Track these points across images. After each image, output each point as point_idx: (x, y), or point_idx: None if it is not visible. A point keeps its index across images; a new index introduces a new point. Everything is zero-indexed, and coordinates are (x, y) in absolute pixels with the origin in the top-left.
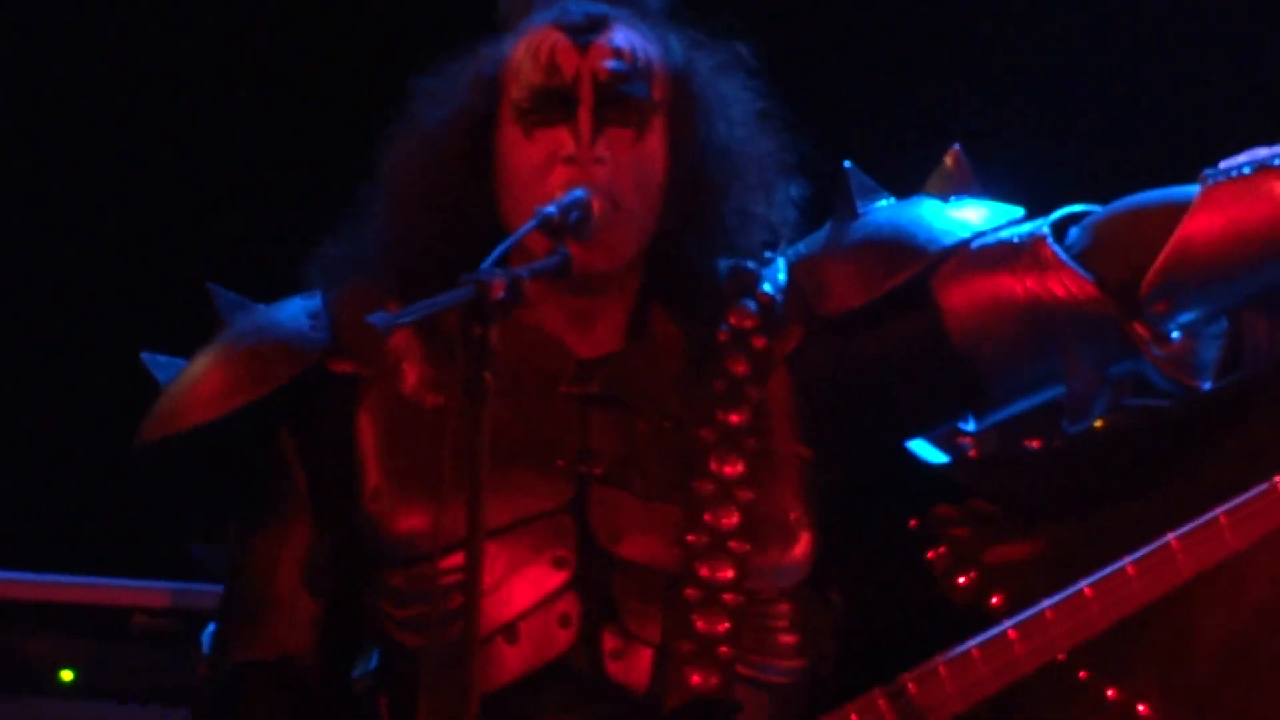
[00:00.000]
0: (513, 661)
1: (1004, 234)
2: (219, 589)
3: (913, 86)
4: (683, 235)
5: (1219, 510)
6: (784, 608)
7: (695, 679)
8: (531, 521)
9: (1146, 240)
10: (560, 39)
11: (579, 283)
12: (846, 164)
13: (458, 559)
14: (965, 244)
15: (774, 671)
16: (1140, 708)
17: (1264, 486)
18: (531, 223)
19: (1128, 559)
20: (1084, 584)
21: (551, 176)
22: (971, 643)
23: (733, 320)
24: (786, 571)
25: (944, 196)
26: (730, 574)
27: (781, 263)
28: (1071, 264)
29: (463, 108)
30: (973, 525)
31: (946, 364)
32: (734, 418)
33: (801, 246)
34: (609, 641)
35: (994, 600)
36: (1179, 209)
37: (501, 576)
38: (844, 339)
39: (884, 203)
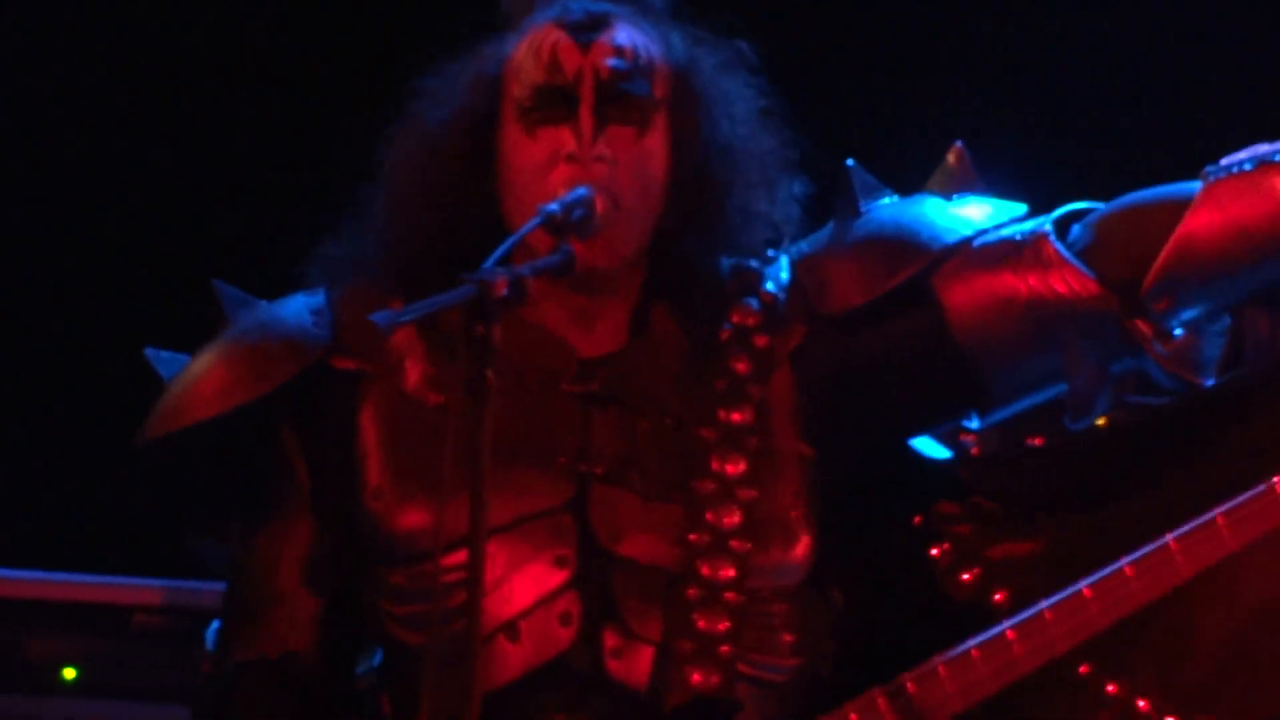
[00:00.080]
0: (514, 660)
1: (1006, 232)
2: (220, 587)
3: (915, 84)
4: (685, 233)
5: (1217, 511)
6: (785, 607)
7: (696, 678)
8: (532, 520)
9: (1148, 237)
10: (562, 37)
11: (581, 281)
12: (849, 162)
13: (459, 557)
14: (967, 242)
15: (774, 670)
16: (1140, 703)
17: (1262, 488)
18: (534, 221)
19: (1126, 560)
20: (1083, 584)
21: (553, 175)
22: (970, 643)
23: (735, 319)
24: (787, 570)
25: (947, 194)
26: (731, 573)
27: (784, 261)
28: (1074, 261)
29: (464, 106)
30: (975, 522)
31: (949, 362)
32: (736, 416)
33: (804, 245)
34: (609, 640)
35: (997, 597)
36: (1180, 206)
37: (502, 575)
38: (846, 337)
39: (887, 200)
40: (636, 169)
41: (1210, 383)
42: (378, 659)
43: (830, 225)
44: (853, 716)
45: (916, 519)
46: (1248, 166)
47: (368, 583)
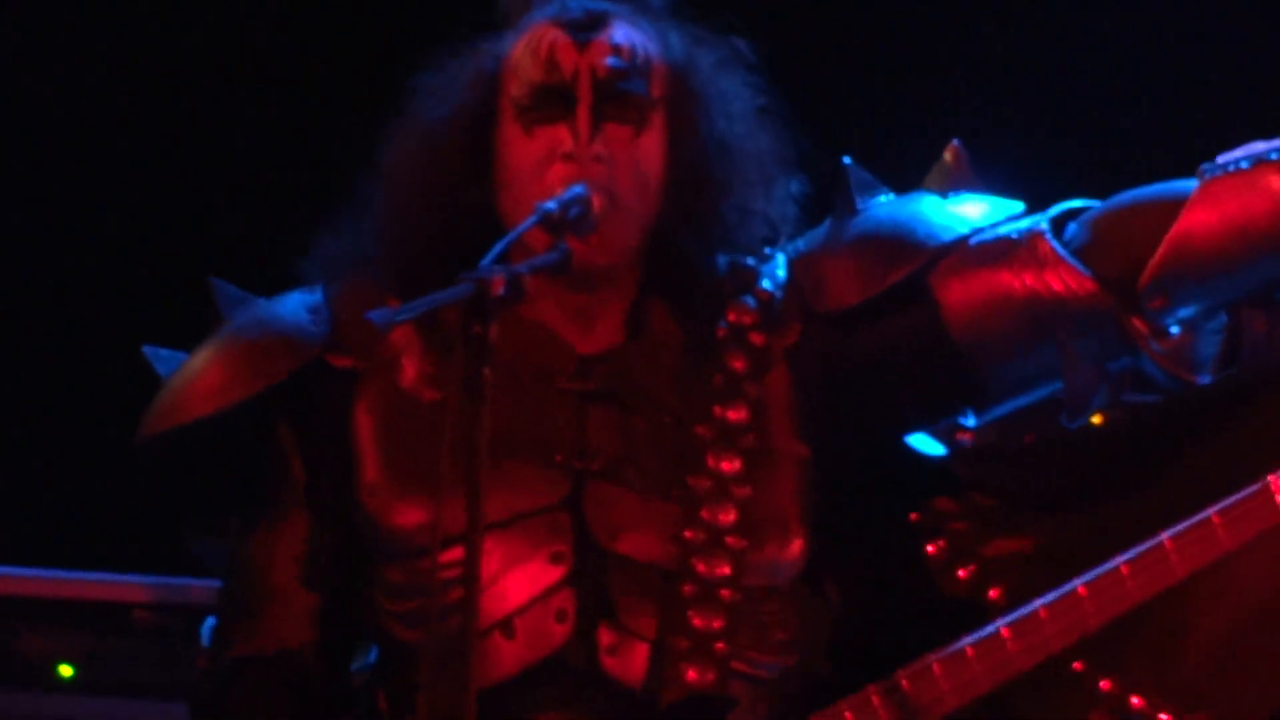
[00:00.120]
0: (509, 656)
1: (1003, 230)
2: (218, 585)
3: (912, 82)
4: (682, 231)
5: (1212, 510)
6: (780, 604)
7: (691, 675)
8: (529, 517)
9: (1144, 235)
10: (559, 36)
11: (578, 279)
12: (846, 160)
13: (455, 554)
14: (964, 240)
15: (770, 667)
16: (1134, 700)
17: (1256, 486)
18: (532, 219)
19: (1121, 558)
20: (1078, 583)
21: (550, 173)
22: (965, 640)
23: (731, 317)
24: (783, 568)
25: (943, 192)
26: (727, 570)
27: (781, 259)
28: (1070, 259)
29: (462, 104)
30: (972, 519)
31: (945, 360)
32: (732, 414)
33: (801, 243)
34: (605, 637)
35: (992, 594)
36: (1177, 204)
37: (498, 571)
38: (843, 335)
39: (883, 198)
40: (634, 167)
41: (1206, 380)
42: (374, 656)
43: (827, 223)
44: (848, 714)
45: (913, 515)
46: (1244, 165)
47: (364, 579)
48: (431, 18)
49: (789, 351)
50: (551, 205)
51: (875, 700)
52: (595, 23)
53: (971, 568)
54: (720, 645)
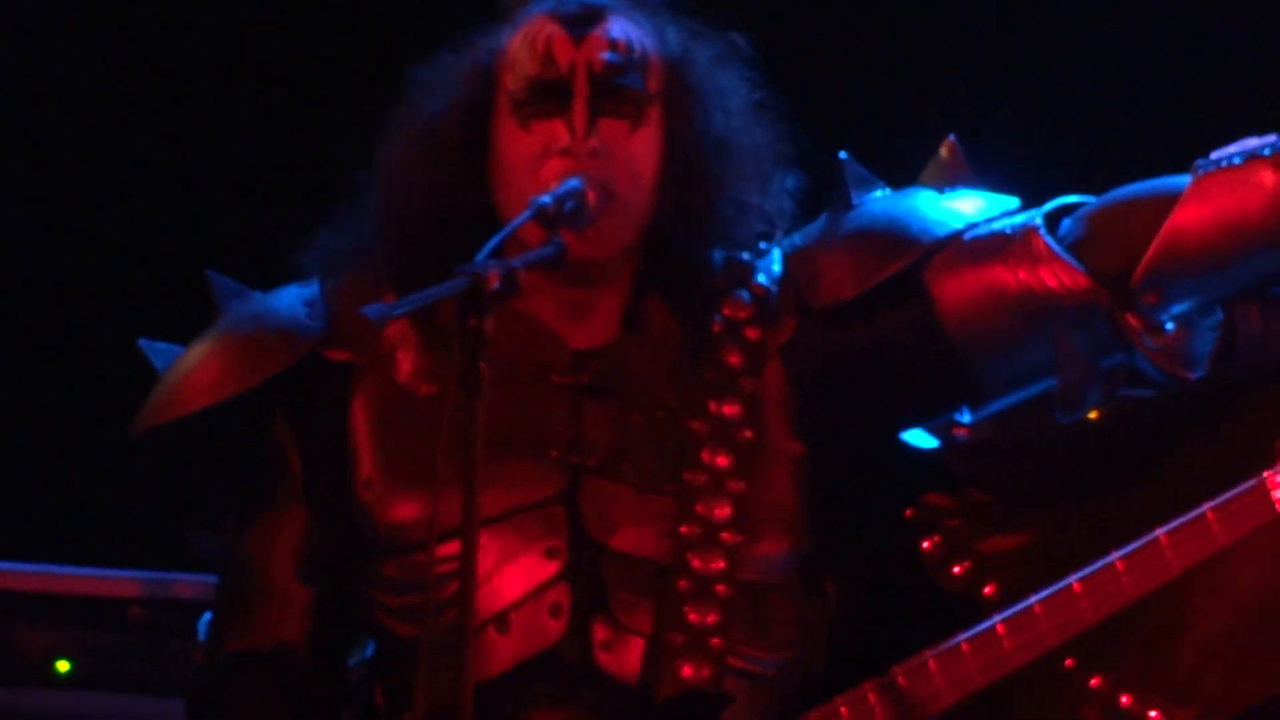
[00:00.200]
0: (504, 651)
1: (997, 225)
2: (215, 580)
3: (908, 77)
4: (678, 226)
5: (1207, 506)
6: (776, 599)
7: (686, 670)
8: (524, 512)
9: (1138, 231)
10: (556, 30)
11: (574, 273)
12: (842, 155)
13: (451, 548)
14: (958, 235)
15: (765, 663)
16: (1123, 698)
17: (1252, 483)
18: (526, 213)
19: (1116, 554)
20: (1073, 579)
21: (546, 167)
22: (961, 637)
23: (726, 311)
24: (778, 563)
25: (939, 187)
26: (722, 565)
27: (777, 254)
28: (1064, 255)
29: (459, 98)
30: (967, 515)
31: (940, 355)
32: (727, 409)
33: (797, 238)
34: (599, 632)
35: (987, 590)
36: (1170, 199)
37: (493, 567)
38: (838, 330)
39: (879, 193)
40: (629, 162)
41: (1201, 374)
42: (370, 651)
43: (823, 218)
44: (843, 710)
45: (908, 512)
46: (1237, 160)
47: (360, 574)
48: (429, 11)
49: (784, 347)
50: (546, 199)
51: (871, 697)
52: (592, 17)
53: (966, 564)
54: (716, 641)
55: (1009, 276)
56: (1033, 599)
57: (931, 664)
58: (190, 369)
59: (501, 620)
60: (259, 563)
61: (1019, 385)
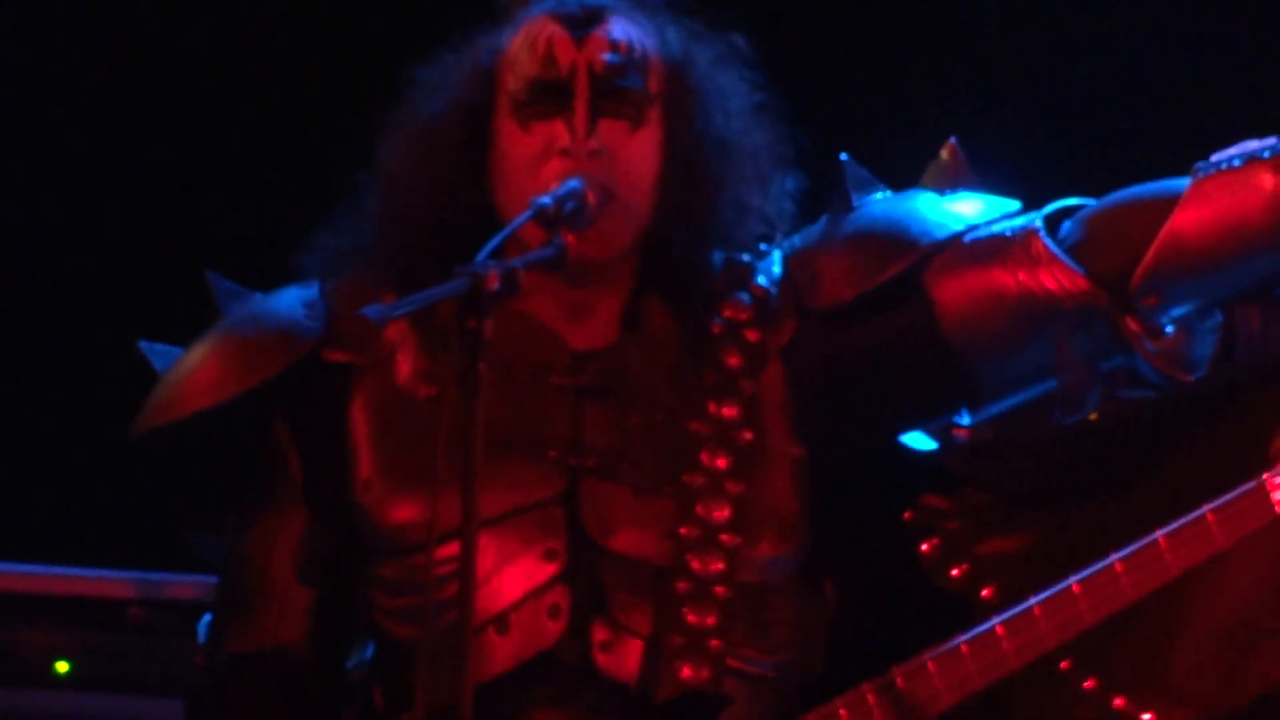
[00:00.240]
0: (503, 653)
1: (997, 227)
2: (215, 581)
3: (910, 79)
4: (678, 227)
5: (1206, 508)
6: (775, 601)
7: (686, 672)
8: (523, 513)
9: (1138, 233)
10: (557, 31)
11: (574, 274)
12: (843, 156)
13: (450, 550)
14: (958, 237)
15: (765, 665)
16: (1116, 701)
17: (1251, 485)
18: (526, 214)
19: (1116, 556)
20: (1072, 580)
21: (547, 168)
22: (960, 638)
23: (726, 313)
24: (778, 564)
25: (940, 189)
26: (721, 567)
27: (777, 255)
28: (1063, 257)
29: (459, 99)
30: (966, 517)
31: (939, 357)
32: (726, 411)
33: (797, 239)
34: (598, 633)
35: (985, 592)
36: (1170, 202)
37: (492, 568)
38: (837, 332)
39: (880, 195)
40: (630, 163)
41: (1200, 374)
42: (370, 652)
43: (823, 220)
44: (842, 711)
45: (907, 515)
46: (1236, 163)
47: (359, 575)
48: (430, 11)
49: (784, 348)
50: (546, 200)
51: (871, 698)
52: (593, 18)
53: (964, 566)
54: (715, 642)
55: (1008, 279)
56: (1032, 600)
57: (930, 665)
58: (190, 370)
59: (501, 621)
60: (259, 564)
61: (1018, 387)
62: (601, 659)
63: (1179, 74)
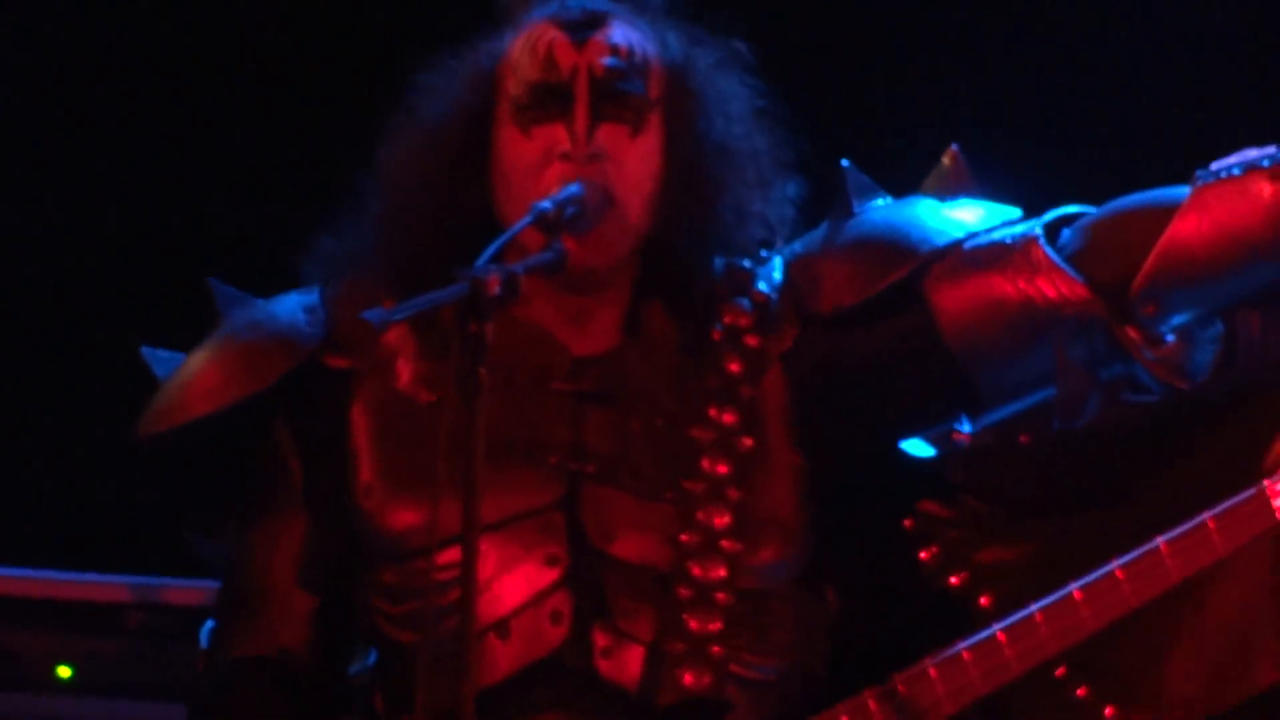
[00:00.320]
0: (504, 658)
1: (997, 235)
2: (216, 585)
3: (911, 85)
4: (678, 232)
5: (1207, 515)
6: (777, 607)
7: (687, 678)
8: (524, 518)
9: (1137, 242)
10: (557, 35)
11: (574, 279)
12: (844, 162)
13: (451, 555)
14: (958, 244)
15: (766, 671)
16: (1107, 711)
17: (1251, 491)
18: (527, 218)
19: (1116, 563)
20: (1073, 587)
21: (547, 173)
22: (962, 645)
23: (727, 319)
24: (779, 571)
25: (941, 196)
26: (722, 573)
27: (778, 261)
28: (1063, 265)
29: (460, 103)
30: (965, 525)
31: (939, 364)
32: (727, 417)
33: (798, 245)
34: (600, 639)
35: (983, 600)
36: (1169, 211)
37: (493, 574)
38: (838, 338)
39: (881, 202)
40: (630, 167)
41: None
42: (372, 658)
43: (824, 226)
44: (844, 718)
45: (906, 522)
46: (1236, 171)
47: (360, 581)
48: (430, 15)
49: (784, 354)
50: (547, 205)
51: (872, 705)
52: (593, 22)
53: (963, 574)
54: (716, 648)
55: (1008, 286)
56: (1034, 607)
57: (932, 672)
58: (191, 376)
59: (502, 627)
60: (260, 569)
61: (1018, 395)
62: (603, 665)
63: (1179, 81)
